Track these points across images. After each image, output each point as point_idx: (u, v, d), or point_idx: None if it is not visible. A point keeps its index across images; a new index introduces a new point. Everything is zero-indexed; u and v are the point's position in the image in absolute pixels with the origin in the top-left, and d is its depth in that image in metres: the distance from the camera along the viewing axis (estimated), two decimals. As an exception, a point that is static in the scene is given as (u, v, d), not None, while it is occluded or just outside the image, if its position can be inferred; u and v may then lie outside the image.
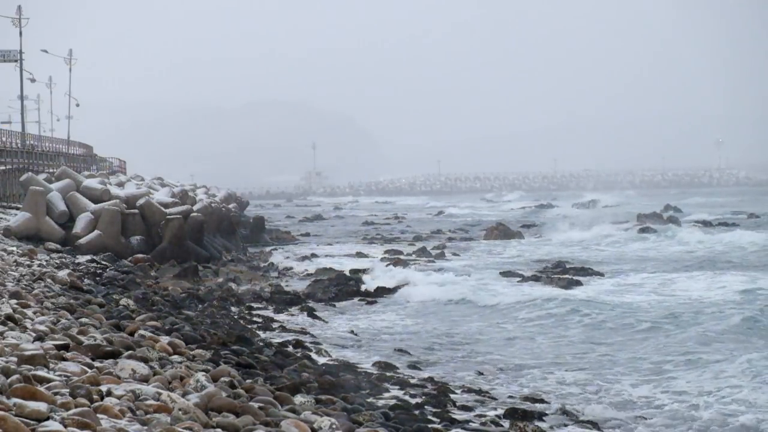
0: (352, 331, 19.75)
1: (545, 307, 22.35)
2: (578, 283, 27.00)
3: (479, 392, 13.80)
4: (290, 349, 16.38)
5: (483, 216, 76.81)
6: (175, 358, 11.84)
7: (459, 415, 12.13)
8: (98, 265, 25.85)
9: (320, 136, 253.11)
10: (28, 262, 21.67)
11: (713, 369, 15.03)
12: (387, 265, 32.92)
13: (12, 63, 60.57)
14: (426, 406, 12.30)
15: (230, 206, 49.09)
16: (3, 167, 40.36)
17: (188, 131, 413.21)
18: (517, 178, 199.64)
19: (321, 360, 15.69)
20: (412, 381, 14.31)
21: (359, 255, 38.76)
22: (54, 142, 62.47)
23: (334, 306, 24.30)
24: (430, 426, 10.98)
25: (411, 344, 18.33)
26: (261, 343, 16.10)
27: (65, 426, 6.66)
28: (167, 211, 31.48)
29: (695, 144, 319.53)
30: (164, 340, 12.93)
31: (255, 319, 20.69)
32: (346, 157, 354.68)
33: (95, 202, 30.66)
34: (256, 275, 29.96)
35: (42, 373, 8.39)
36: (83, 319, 13.63)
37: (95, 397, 7.91)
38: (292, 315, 22.28)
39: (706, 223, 53.66)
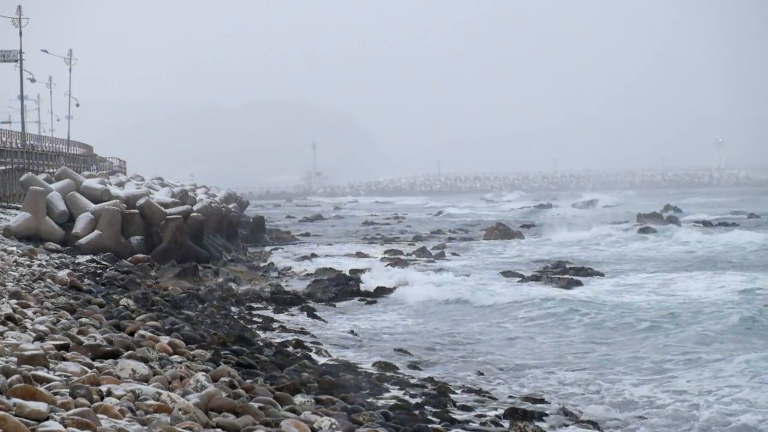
0: (352, 331, 19.75)
1: (545, 307, 22.35)
2: (578, 283, 27.01)
3: (479, 392, 13.80)
4: (290, 349, 16.38)
5: (482, 216, 76.81)
6: (175, 358, 11.84)
7: (459, 415, 12.13)
8: (98, 265, 25.86)
9: (320, 136, 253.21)
10: (28, 262, 21.67)
11: (713, 368, 15.03)
12: (386, 265, 32.94)
13: (12, 63, 60.59)
14: (426, 406, 12.30)
15: (230, 206, 49.09)
16: (3, 167, 40.36)
17: (188, 131, 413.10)
18: (517, 178, 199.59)
19: (321, 360, 15.69)
20: (412, 381, 14.31)
21: (359, 255, 38.75)
22: (54, 142, 62.47)
23: (334, 306, 24.29)
24: (430, 426, 10.98)
25: (411, 344, 18.33)
26: (261, 343, 16.10)
27: (65, 426, 6.66)
28: (167, 211, 31.49)
29: (695, 144, 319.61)
30: (164, 340, 12.93)
31: (255, 319, 20.69)
32: (346, 157, 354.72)
33: (95, 202, 30.66)
34: (256, 275, 29.95)
35: (42, 373, 8.39)
36: (83, 319, 13.63)
37: (95, 397, 7.91)
38: (292, 315, 22.28)
39: (705, 223, 53.65)
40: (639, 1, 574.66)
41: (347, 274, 29.54)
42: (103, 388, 8.34)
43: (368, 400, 12.16)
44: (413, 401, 12.62)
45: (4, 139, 46.73)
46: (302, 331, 19.40)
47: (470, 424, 11.70)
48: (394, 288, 26.40)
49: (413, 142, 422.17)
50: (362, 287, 26.87)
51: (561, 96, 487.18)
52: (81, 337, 11.39)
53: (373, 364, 15.59)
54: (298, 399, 10.77)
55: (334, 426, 9.00)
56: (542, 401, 13.32)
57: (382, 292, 26.00)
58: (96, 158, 68.49)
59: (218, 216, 39.66)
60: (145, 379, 9.45)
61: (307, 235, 55.19)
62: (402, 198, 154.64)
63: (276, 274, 31.78)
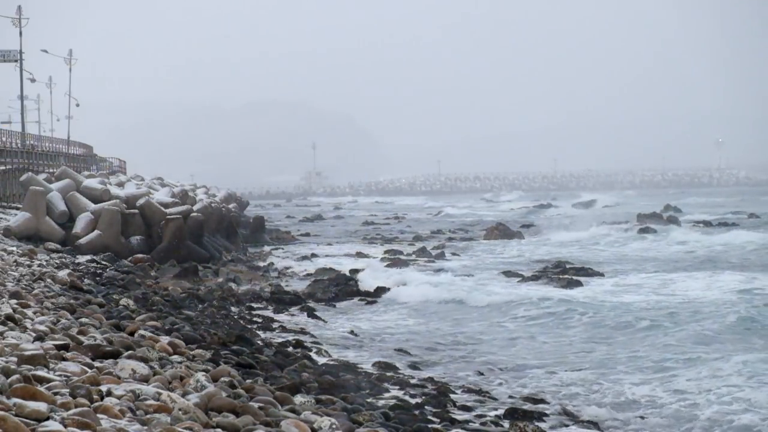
0: (352, 331, 19.74)
1: (545, 307, 22.36)
2: (578, 283, 27.00)
3: (479, 392, 13.80)
4: (290, 349, 16.37)
5: (482, 216, 76.81)
6: (175, 358, 11.84)
7: (459, 415, 12.13)
8: (98, 265, 25.86)
9: (320, 136, 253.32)
10: (28, 262, 21.67)
11: (712, 367, 15.03)
12: (386, 266, 32.95)
13: (12, 63, 60.65)
14: (426, 406, 12.30)
15: (230, 206, 49.11)
16: (3, 167, 40.37)
17: (188, 131, 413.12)
18: (517, 178, 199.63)
19: (321, 360, 15.68)
20: (412, 381, 14.31)
21: (359, 255, 38.74)
22: (54, 142, 62.52)
23: (334, 306, 24.29)
24: (430, 426, 10.98)
25: (411, 344, 18.33)
26: (261, 343, 16.10)
27: (65, 426, 6.66)
28: (167, 211, 31.49)
29: (695, 144, 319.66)
30: (164, 340, 12.93)
31: (255, 319, 20.68)
32: (346, 157, 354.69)
33: (95, 202, 30.68)
34: (256, 275, 29.95)
35: (42, 373, 8.38)
36: (83, 319, 13.63)
37: (95, 397, 7.91)
38: (292, 315, 22.27)
39: (705, 223, 53.64)
40: (639, 1, 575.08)
41: (347, 274, 29.55)
42: (103, 388, 8.34)
43: (368, 400, 12.16)
44: (413, 401, 12.61)
45: (4, 139, 46.75)
46: (302, 331, 19.39)
47: (470, 424, 11.69)
48: (394, 288, 26.40)
49: (413, 142, 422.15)
50: (362, 287, 26.86)
51: (561, 96, 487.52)
52: (81, 337, 11.39)
53: (374, 364, 15.58)
54: (298, 399, 10.77)
55: (334, 426, 9.00)
56: (542, 401, 13.32)
57: (382, 292, 26.00)
58: (96, 158, 68.54)
59: (218, 216, 39.67)
60: (145, 379, 9.45)
61: (307, 235, 55.18)
62: (402, 198, 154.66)
63: (276, 274, 31.76)
